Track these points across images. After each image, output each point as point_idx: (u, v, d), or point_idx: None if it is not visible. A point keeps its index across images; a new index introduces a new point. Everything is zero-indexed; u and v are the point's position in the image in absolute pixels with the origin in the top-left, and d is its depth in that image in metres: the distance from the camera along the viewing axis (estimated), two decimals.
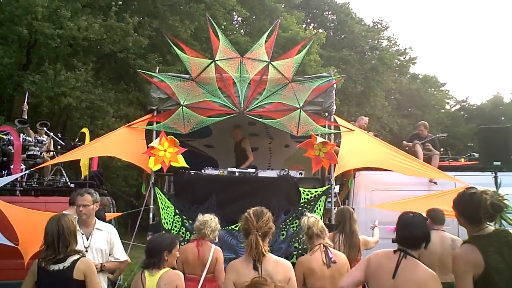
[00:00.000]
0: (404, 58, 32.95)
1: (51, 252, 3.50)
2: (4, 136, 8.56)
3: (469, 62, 74.10)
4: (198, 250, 4.89)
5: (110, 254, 4.60)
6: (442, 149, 9.84)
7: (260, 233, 3.24)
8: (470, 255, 3.14)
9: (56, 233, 3.51)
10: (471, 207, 3.20)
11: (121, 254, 4.66)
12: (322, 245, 4.13)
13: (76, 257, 3.54)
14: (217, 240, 5.32)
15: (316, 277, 4.03)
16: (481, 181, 7.19)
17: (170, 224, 6.97)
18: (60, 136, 9.78)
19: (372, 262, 3.32)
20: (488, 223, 3.22)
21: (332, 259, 4.02)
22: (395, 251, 3.24)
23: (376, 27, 31.74)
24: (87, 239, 4.48)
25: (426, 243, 3.25)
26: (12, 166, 7.89)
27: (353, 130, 7.67)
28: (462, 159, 10.01)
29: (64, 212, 5.33)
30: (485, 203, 3.12)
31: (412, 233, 3.23)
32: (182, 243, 6.83)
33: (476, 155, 9.56)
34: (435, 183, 7.88)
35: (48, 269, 3.47)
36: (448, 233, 5.37)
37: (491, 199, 3.13)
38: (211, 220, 5.02)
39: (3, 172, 8.03)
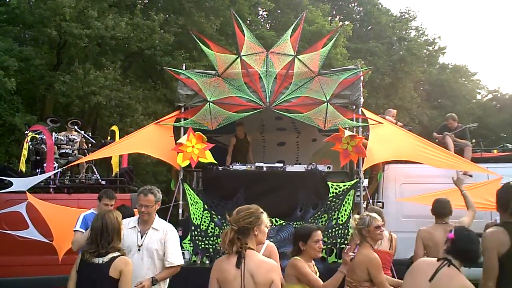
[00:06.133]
0: (433, 48, 32.19)
1: (94, 247, 3.55)
2: (37, 136, 8.76)
3: (501, 50, 72.00)
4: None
5: (165, 259, 4.37)
6: (473, 141, 9.63)
7: (236, 228, 3.13)
8: (497, 235, 3.58)
9: (99, 229, 3.55)
10: (503, 197, 3.71)
11: (176, 258, 4.40)
12: None
13: (115, 254, 3.55)
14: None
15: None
16: None
17: (199, 219, 7.03)
18: (90, 134, 9.94)
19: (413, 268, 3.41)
20: None
21: None
22: (438, 259, 3.21)
23: (403, 17, 31.12)
24: (141, 237, 4.35)
25: (472, 261, 3.19)
26: (45, 165, 8.08)
27: (382, 123, 7.57)
28: (495, 150, 9.76)
29: (92, 209, 5.43)
30: None
31: (477, 250, 3.20)
32: (212, 238, 6.93)
33: (510, 145, 9.33)
34: (471, 175, 7.68)
35: (88, 261, 3.52)
36: (452, 224, 5.19)
37: None
38: None
39: (37, 170, 8.24)
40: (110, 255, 3.53)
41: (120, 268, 3.51)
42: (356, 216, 4.51)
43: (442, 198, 5.33)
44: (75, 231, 5.20)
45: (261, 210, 3.28)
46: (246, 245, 3.11)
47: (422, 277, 3.15)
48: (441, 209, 5.17)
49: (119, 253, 3.58)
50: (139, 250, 4.34)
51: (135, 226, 4.44)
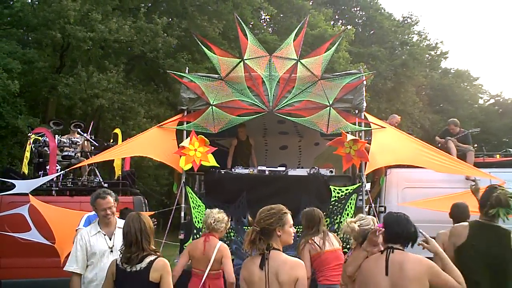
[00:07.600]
0: (435, 53, 32.28)
1: (135, 249, 3.45)
2: (40, 138, 8.78)
3: (503, 55, 72.01)
4: (204, 246, 4.86)
5: None
6: (475, 145, 9.59)
7: (258, 228, 3.14)
8: (457, 228, 3.89)
9: (138, 229, 3.47)
10: (484, 196, 3.83)
11: None
12: None
13: (152, 257, 3.47)
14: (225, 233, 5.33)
15: None
16: None
17: (201, 223, 7.02)
18: (93, 137, 9.96)
19: (362, 269, 3.45)
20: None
21: None
22: (382, 252, 3.32)
23: (406, 22, 31.23)
24: (110, 239, 4.36)
25: (410, 240, 3.30)
26: (48, 167, 8.09)
27: (384, 127, 7.57)
28: (498, 155, 9.73)
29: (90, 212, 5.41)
30: (492, 195, 3.71)
31: (407, 228, 3.30)
32: None
33: None
34: (473, 180, 7.65)
35: (126, 269, 3.44)
36: None
37: (499, 193, 3.71)
38: (214, 212, 5.09)
39: (40, 172, 8.25)
40: (147, 259, 3.45)
41: (160, 271, 3.45)
42: (351, 219, 4.47)
43: (460, 202, 5.35)
44: (77, 230, 5.18)
45: (285, 210, 3.24)
46: (270, 246, 3.11)
47: (378, 274, 3.23)
48: (459, 214, 5.19)
49: (155, 256, 3.51)
50: (111, 251, 4.31)
51: (99, 231, 4.40)
